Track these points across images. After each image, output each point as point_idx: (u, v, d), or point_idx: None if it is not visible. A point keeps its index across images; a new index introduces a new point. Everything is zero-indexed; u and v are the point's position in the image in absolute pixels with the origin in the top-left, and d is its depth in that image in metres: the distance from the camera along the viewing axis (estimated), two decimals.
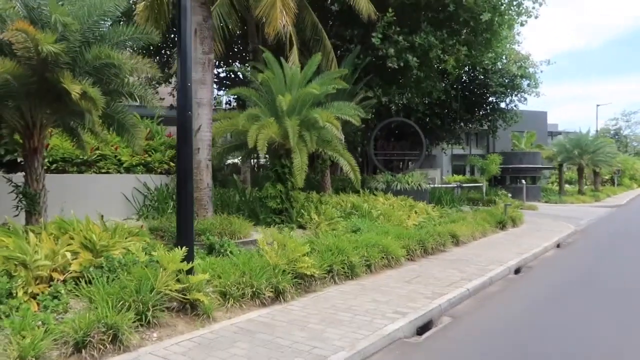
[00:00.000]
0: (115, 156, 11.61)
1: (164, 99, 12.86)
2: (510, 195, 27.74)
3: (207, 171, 9.29)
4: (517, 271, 8.47)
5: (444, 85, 25.03)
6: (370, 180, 17.92)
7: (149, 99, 7.21)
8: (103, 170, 11.32)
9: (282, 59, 11.83)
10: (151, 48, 15.75)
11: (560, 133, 54.94)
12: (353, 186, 18.57)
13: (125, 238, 6.37)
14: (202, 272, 5.37)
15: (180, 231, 5.44)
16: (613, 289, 7.31)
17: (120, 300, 4.48)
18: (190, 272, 5.10)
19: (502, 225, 13.77)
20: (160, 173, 12.16)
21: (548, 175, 41.08)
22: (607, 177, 48.74)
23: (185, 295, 4.95)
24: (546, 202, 28.91)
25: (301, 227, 10.94)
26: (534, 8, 18.07)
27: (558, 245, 11.50)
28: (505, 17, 18.14)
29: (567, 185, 40.62)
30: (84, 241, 5.77)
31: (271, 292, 5.65)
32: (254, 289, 5.50)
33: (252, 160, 18.29)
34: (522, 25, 18.50)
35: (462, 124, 33.13)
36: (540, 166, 31.91)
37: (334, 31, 16.79)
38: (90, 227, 6.18)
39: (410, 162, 21.66)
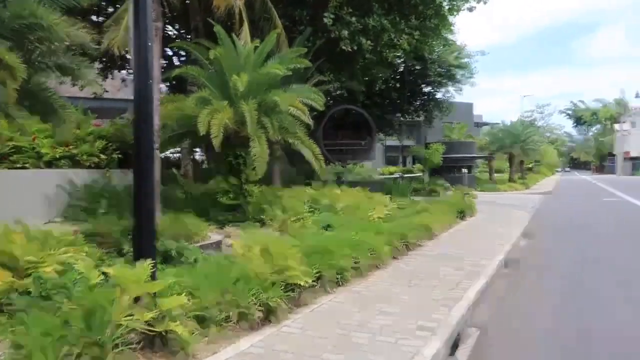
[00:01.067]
0: (34, 148, 9.71)
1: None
2: (449, 184, 28.00)
3: (156, 163, 7.78)
4: (506, 264, 7.84)
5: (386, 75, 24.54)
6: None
7: (85, 74, 5.70)
8: (18, 165, 9.42)
9: (233, 35, 10.47)
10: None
11: (486, 124, 57.12)
12: (301, 178, 17.58)
13: (59, 249, 4.88)
14: (172, 291, 4.08)
15: (139, 238, 4.12)
16: (619, 265, 6.93)
17: (65, 344, 3.13)
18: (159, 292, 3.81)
19: (462, 215, 13.32)
20: (89, 167, 10.38)
21: (479, 165, 42.23)
22: (530, 166, 51.19)
23: (154, 326, 3.66)
24: (482, 190, 29.46)
25: (259, 223, 9.73)
26: None
27: (525, 235, 11.15)
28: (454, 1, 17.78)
29: (495, 174, 42.12)
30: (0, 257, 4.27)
31: (260, 310, 4.47)
32: (240, 310, 4.29)
33: (194, 152, 16.69)
34: (470, 10, 18.24)
35: (399, 114, 33.08)
36: (476, 155, 32.60)
37: (281, 11, 15.51)
38: (8, 236, 4.65)
39: (356, 153, 20.97)
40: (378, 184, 16.82)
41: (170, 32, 18.69)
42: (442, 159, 25.58)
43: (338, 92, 16.65)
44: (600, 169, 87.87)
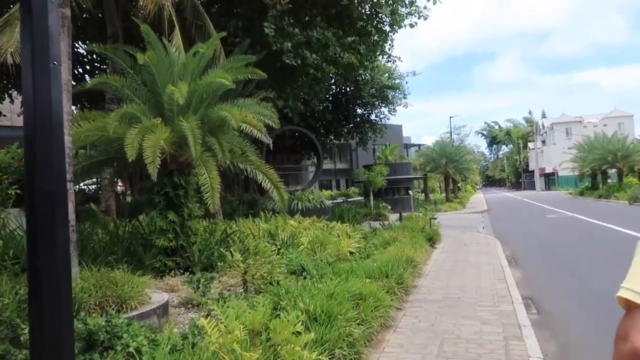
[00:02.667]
0: None
1: None
2: (389, 207, 27.07)
3: (70, 200, 5.57)
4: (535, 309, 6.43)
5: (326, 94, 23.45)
6: (264, 201, 15.12)
7: None
8: None
9: (164, 39, 8.57)
10: None
11: (414, 145, 57.93)
12: (245, 210, 15.60)
13: None
14: None
15: (39, 319, 2.16)
16: None
17: None
18: None
19: (432, 242, 12.04)
20: None
21: (415, 186, 42.13)
22: (459, 185, 52.27)
23: None
24: (421, 212, 28.86)
25: (206, 270, 7.75)
26: (425, 7, 17.17)
27: (510, 263, 9.97)
28: (395, 15, 16.95)
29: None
30: None
31: None
32: None
33: (117, 182, 14.23)
34: (411, 27, 17.49)
35: (333, 136, 32.15)
36: (413, 176, 32.13)
37: (214, 21, 13.77)
38: None
39: (301, 178, 19.33)
40: (326, 211, 15.23)
41: (80, 50, 16.26)
42: (385, 181, 24.58)
43: (283, 112, 15.04)
44: (517, 186, 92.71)
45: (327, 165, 47.08)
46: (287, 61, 13.07)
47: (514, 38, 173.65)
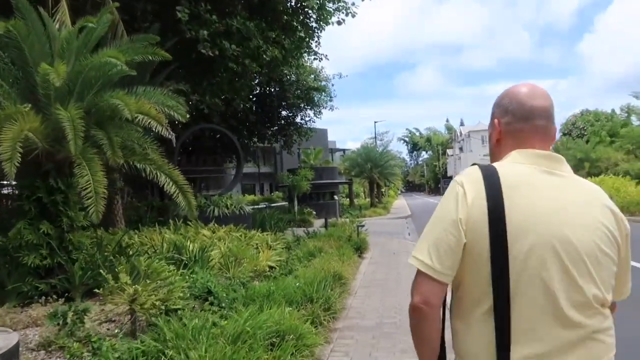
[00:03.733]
0: None
1: None
2: (314, 212, 26.22)
3: None
4: None
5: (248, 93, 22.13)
6: (175, 207, 13.55)
7: None
8: None
9: (42, 10, 6.95)
10: None
11: (339, 150, 57.78)
12: (153, 217, 13.93)
13: None
14: None
15: None
16: None
17: None
18: None
19: (360, 251, 11.16)
20: None
21: (340, 190, 41.76)
22: (383, 190, 52.76)
23: None
24: (348, 217, 28.30)
25: (91, 293, 6.29)
26: (353, 4, 16.43)
27: None
28: (323, 11, 16.07)
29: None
30: None
31: None
32: None
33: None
34: (339, 24, 16.68)
35: (256, 139, 30.84)
36: (339, 181, 31.57)
37: (120, 2, 12.09)
38: None
39: (219, 182, 17.85)
40: (246, 218, 13.97)
41: None
42: (310, 185, 23.68)
43: (199, 108, 13.60)
44: (436, 191, 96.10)
45: (250, 169, 45.57)
46: (203, 51, 11.68)
47: (433, 50, 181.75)
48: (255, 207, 23.89)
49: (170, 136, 6.40)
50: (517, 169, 1.34)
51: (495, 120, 1.48)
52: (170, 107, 7.26)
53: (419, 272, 1.34)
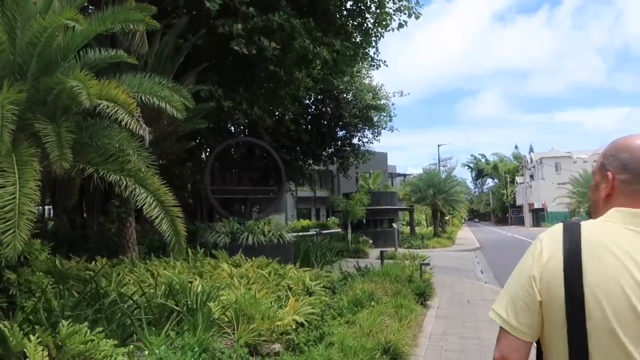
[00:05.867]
0: None
1: None
2: (371, 241, 23.69)
3: None
4: None
5: (292, 113, 20.30)
6: (206, 232, 11.62)
7: None
8: None
9: None
10: None
11: (400, 175, 54.98)
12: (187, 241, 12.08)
13: None
14: None
15: None
16: None
17: None
18: None
19: (422, 298, 8.60)
20: None
21: (400, 218, 39.01)
22: (447, 218, 49.23)
23: None
24: (409, 247, 25.46)
25: None
26: (417, 3, 14.20)
27: None
28: (382, 11, 13.96)
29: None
30: None
31: None
32: None
33: None
34: (400, 26, 14.47)
35: (311, 160, 28.84)
36: (399, 207, 28.92)
37: None
38: None
39: (256, 204, 15.83)
40: (287, 248, 11.78)
41: None
42: (365, 211, 21.27)
43: (234, 116, 11.76)
44: (503, 221, 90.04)
45: (306, 192, 43.83)
46: (236, 48, 9.82)
47: (497, 76, 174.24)
48: (304, 234, 21.76)
49: (143, 132, 4.36)
50: (606, 227, 1.28)
51: (609, 174, 1.35)
52: (163, 98, 5.26)
53: (501, 328, 1.33)
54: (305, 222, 38.24)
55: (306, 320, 5.84)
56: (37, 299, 5.01)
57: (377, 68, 17.20)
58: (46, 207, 16.85)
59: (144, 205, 4.80)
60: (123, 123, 4.27)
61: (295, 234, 19.59)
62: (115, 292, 5.78)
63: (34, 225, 5.16)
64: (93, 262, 8.29)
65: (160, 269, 7.54)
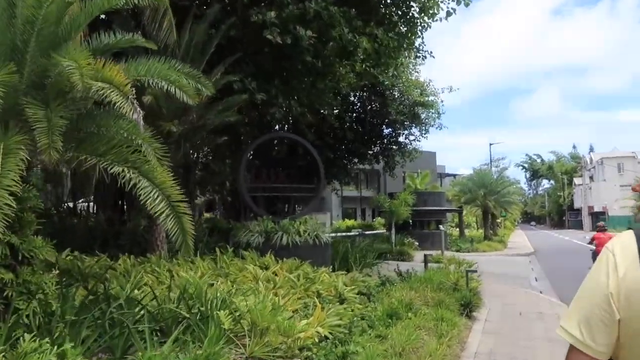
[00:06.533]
0: None
1: None
2: (417, 243, 22.69)
3: None
4: None
5: (336, 109, 19.63)
6: (240, 231, 11.16)
7: None
8: None
9: None
10: None
11: (449, 175, 53.20)
12: (213, 242, 11.70)
13: None
14: None
15: None
16: None
17: None
18: None
19: (468, 309, 7.73)
20: None
21: (448, 219, 37.58)
22: (498, 220, 47.14)
23: None
24: (457, 250, 24.25)
25: None
26: None
27: None
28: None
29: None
30: None
31: None
32: None
33: None
34: (449, 15, 13.51)
35: (356, 159, 28.06)
36: (446, 208, 27.69)
37: None
38: None
39: (299, 203, 15.33)
40: (323, 250, 11.14)
41: None
42: (410, 212, 20.33)
43: (269, 110, 11.23)
44: (560, 224, 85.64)
45: (352, 192, 43.11)
46: (269, 37, 9.28)
47: (553, 73, 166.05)
48: (346, 234, 21.06)
49: (136, 115, 3.84)
50: None
51: None
52: (172, 82, 4.75)
53: (572, 348, 1.24)
54: (350, 222, 37.50)
55: (331, 333, 5.18)
56: (38, 302, 4.62)
57: (424, 59, 16.28)
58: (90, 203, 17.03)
59: (147, 200, 4.30)
60: (117, 106, 3.76)
61: (336, 234, 18.95)
62: (125, 295, 5.34)
63: (35, 221, 4.83)
64: (119, 260, 7.96)
65: (182, 269, 7.09)
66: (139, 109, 3.80)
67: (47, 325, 4.45)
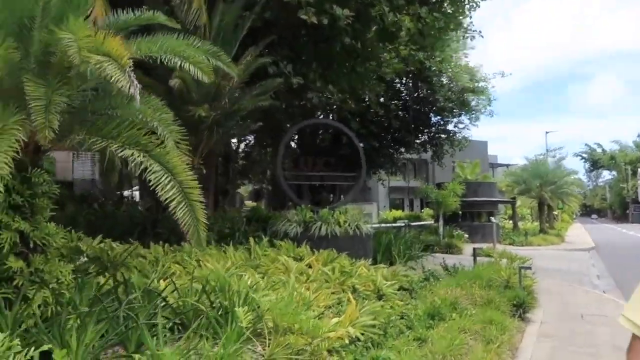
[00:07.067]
0: None
1: None
2: (466, 235, 21.67)
3: None
4: None
5: (381, 96, 18.85)
6: (278, 221, 10.80)
7: None
8: None
9: None
10: None
11: (502, 165, 51.06)
12: (251, 231, 11.41)
13: None
14: None
15: None
16: None
17: None
18: None
19: (521, 310, 6.99)
20: None
21: (499, 211, 35.99)
22: (555, 213, 44.81)
23: None
24: (510, 244, 23.01)
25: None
26: None
27: None
28: None
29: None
30: None
31: None
32: None
33: None
34: None
35: (403, 148, 27.12)
36: (498, 200, 26.38)
37: None
38: None
39: (342, 191, 14.80)
40: (364, 241, 10.60)
41: None
42: (459, 202, 19.38)
43: (306, 95, 10.76)
44: (623, 218, 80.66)
45: (399, 182, 42.18)
46: (304, 17, 8.78)
47: (614, 58, 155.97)
48: (390, 225, 20.42)
49: (133, 89, 3.43)
50: None
51: None
52: (186, 58, 4.35)
53: (635, 337, 1.25)
54: (397, 213, 36.70)
55: (364, 334, 4.68)
56: (51, 291, 4.38)
57: (472, 39, 15.28)
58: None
59: (158, 185, 3.93)
60: (113, 79, 3.39)
61: (379, 225, 18.32)
62: (146, 285, 5.05)
63: (49, 207, 4.59)
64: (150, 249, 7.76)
65: (212, 259, 6.77)
66: (136, 82, 3.41)
67: (58, 317, 4.20)
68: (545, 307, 7.63)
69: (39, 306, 4.20)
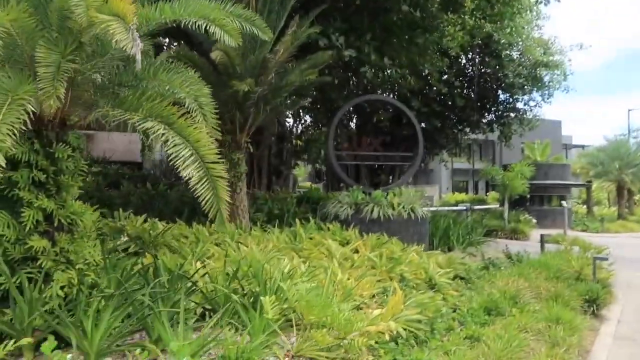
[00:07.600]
0: None
1: None
2: (535, 220, 20.27)
3: None
4: None
5: (444, 72, 17.79)
6: (328, 202, 10.38)
7: None
8: None
9: None
10: None
11: (577, 146, 47.71)
12: (301, 212, 11.11)
13: None
14: None
15: None
16: None
17: None
18: None
19: (594, 306, 6.19)
20: None
21: (572, 195, 33.64)
22: (637, 197, 41.36)
23: None
24: (583, 230, 21.37)
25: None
26: None
27: None
28: None
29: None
30: None
31: None
32: None
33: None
34: None
35: (468, 128, 25.67)
36: (571, 183, 24.54)
37: None
38: None
39: (401, 174, 14.13)
40: (420, 225, 9.96)
41: None
42: (527, 185, 18.10)
43: (360, 69, 10.17)
44: None
45: (463, 164, 40.59)
46: None
47: None
48: (451, 208, 19.48)
49: (135, 50, 3.06)
50: None
51: None
52: (212, 21, 3.96)
53: None
54: (460, 197, 35.28)
55: (407, 329, 4.18)
56: (77, 272, 4.22)
57: (547, 4, 13.94)
58: None
59: (178, 160, 3.60)
60: (114, 40, 3.05)
61: (437, 208, 17.46)
62: (178, 268, 4.81)
63: (77, 184, 4.42)
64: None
65: (254, 241, 6.48)
66: (139, 42, 3.06)
67: (87, 298, 4.04)
68: (624, 304, 6.74)
69: (63, 287, 4.06)
